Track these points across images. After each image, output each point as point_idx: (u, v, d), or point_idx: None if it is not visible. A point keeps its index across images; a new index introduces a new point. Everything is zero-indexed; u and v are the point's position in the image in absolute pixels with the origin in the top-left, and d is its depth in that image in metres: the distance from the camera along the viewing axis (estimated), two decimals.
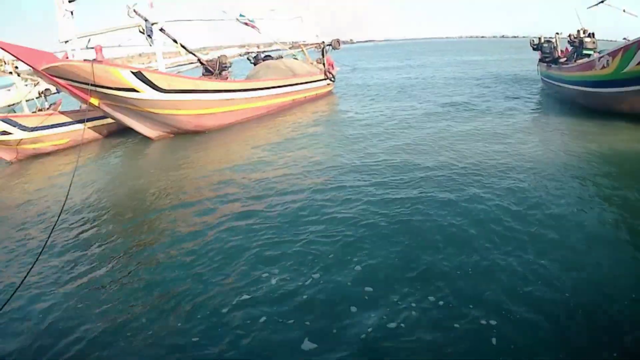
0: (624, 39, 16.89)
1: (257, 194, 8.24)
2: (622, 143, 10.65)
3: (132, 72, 12.81)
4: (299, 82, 20.98)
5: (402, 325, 4.26)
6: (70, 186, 7.37)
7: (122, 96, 13.02)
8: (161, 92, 13.36)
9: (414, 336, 4.10)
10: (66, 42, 14.31)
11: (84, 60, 13.01)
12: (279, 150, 11.72)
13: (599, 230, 6.14)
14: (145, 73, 13.20)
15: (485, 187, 7.89)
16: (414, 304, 4.55)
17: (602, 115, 13.53)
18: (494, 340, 3.98)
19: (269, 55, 23.74)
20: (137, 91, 12.96)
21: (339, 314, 4.50)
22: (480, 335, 4.06)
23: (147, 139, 14.81)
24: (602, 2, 16.88)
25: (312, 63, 24.43)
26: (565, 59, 19.38)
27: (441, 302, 4.56)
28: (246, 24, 20.78)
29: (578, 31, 18.52)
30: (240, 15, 20.61)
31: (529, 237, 5.88)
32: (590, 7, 17.85)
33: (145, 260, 6.06)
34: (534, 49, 23.15)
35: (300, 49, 25.56)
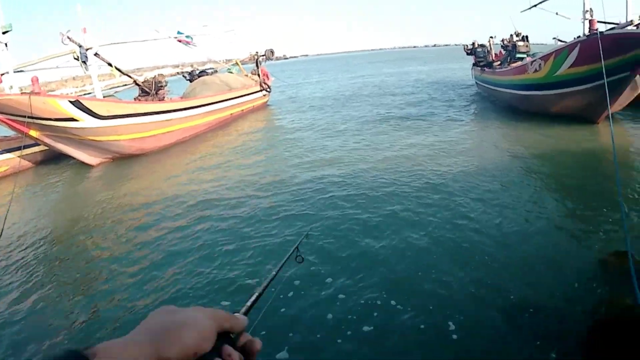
0: (554, 38, 17.46)
1: (196, 214, 8.12)
2: (555, 142, 11.28)
3: (71, 102, 12.55)
4: (235, 95, 21.07)
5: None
6: (6, 215, 7.48)
7: (61, 126, 12.68)
8: (100, 119, 13.25)
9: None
10: (2, 74, 13.80)
11: (21, 92, 12.69)
12: (217, 169, 11.57)
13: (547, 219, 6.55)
14: (83, 101, 12.95)
15: (422, 191, 8.10)
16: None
17: (535, 117, 14.15)
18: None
19: (204, 71, 23.66)
20: (77, 120, 12.71)
21: None
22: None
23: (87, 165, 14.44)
24: (534, 6, 17.33)
25: (247, 75, 24.49)
26: (499, 62, 19.87)
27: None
28: (180, 41, 20.78)
29: (511, 35, 19.09)
30: (178, 33, 20.70)
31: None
32: (523, 11, 18.37)
33: (88, 282, 5.95)
34: (467, 54, 23.74)
35: (234, 63, 25.62)
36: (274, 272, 1.15)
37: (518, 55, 17.76)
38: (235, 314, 0.79)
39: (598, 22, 12.23)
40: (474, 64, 22.85)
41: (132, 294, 5.31)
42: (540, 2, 16.92)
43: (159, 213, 8.35)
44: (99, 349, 0.52)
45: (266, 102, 25.30)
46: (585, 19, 13.04)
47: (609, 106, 9.50)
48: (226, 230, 7.03)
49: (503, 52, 20.31)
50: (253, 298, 0.93)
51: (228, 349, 0.67)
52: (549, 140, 11.51)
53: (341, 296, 4.76)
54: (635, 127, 12.63)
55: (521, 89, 15.03)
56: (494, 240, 5.91)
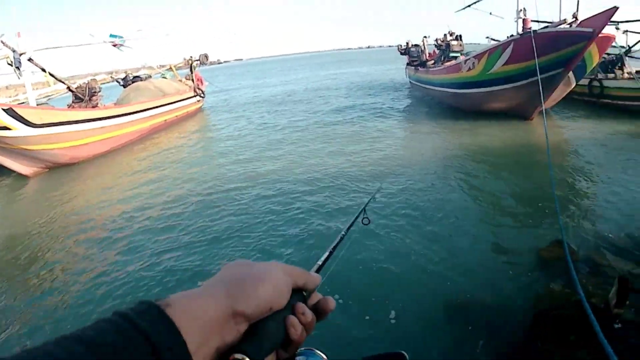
0: (487, 37, 18.08)
1: (134, 224, 7.79)
2: (489, 139, 11.59)
3: (4, 109, 11.89)
4: (170, 101, 20.63)
5: None
6: None
7: None
8: (34, 127, 12.74)
9: None
10: None
11: None
12: (153, 175, 11.27)
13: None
14: (16, 109, 12.28)
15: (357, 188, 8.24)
16: None
17: (470, 114, 14.58)
18: None
19: (138, 77, 23.15)
20: (9, 129, 12.05)
21: None
22: None
23: (21, 175, 13.57)
24: (468, 6, 17.84)
25: (181, 80, 24.18)
26: (432, 62, 20.26)
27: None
28: (115, 45, 20.35)
29: (445, 34, 19.51)
30: (111, 36, 20.17)
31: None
32: (458, 11, 18.86)
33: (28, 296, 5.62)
34: (401, 54, 24.15)
35: (168, 68, 25.34)
36: (342, 232, 1.13)
37: (452, 54, 18.23)
38: (312, 272, 0.74)
39: (531, 21, 12.71)
40: (408, 64, 23.25)
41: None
42: (475, 2, 17.46)
43: (99, 226, 7.92)
44: (173, 300, 0.51)
45: (200, 107, 24.89)
46: (518, 18, 13.52)
47: (542, 102, 9.84)
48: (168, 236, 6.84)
49: (437, 51, 20.77)
50: (324, 257, 0.91)
51: (302, 306, 0.64)
52: (484, 137, 11.79)
53: None
54: (567, 122, 13.31)
55: (455, 87, 15.37)
56: (434, 236, 5.96)
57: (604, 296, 3.83)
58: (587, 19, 11.17)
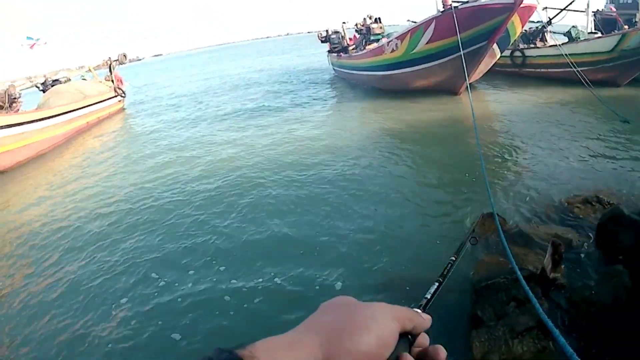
0: (408, 20, 18.61)
1: (62, 236, 7.27)
2: (417, 117, 11.92)
3: None
4: (90, 103, 20.19)
5: None
6: None
7: None
8: None
9: None
10: None
11: None
12: (81, 181, 10.72)
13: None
14: None
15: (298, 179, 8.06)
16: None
17: (397, 95, 14.82)
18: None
19: (57, 80, 22.49)
20: None
21: None
22: None
23: None
24: None
25: (100, 82, 23.59)
26: (354, 46, 20.52)
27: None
28: (32, 47, 19.97)
29: (364, 18, 19.75)
30: (28, 38, 19.92)
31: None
32: None
33: None
34: (322, 42, 24.22)
35: (88, 69, 24.69)
36: (452, 258, 1.03)
37: (373, 38, 18.52)
38: (421, 313, 0.64)
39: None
40: (329, 51, 23.37)
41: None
42: None
43: (23, 239, 7.39)
44: (258, 349, 0.46)
45: (122, 107, 24.32)
46: None
47: (466, 77, 10.29)
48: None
49: (357, 36, 21.04)
50: (432, 289, 0.82)
51: (408, 357, 0.55)
52: (413, 116, 12.10)
53: None
54: (493, 93, 14.03)
55: (380, 70, 15.64)
56: (370, 215, 6.11)
57: (539, 262, 4.00)
58: None
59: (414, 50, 13.52)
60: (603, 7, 25.76)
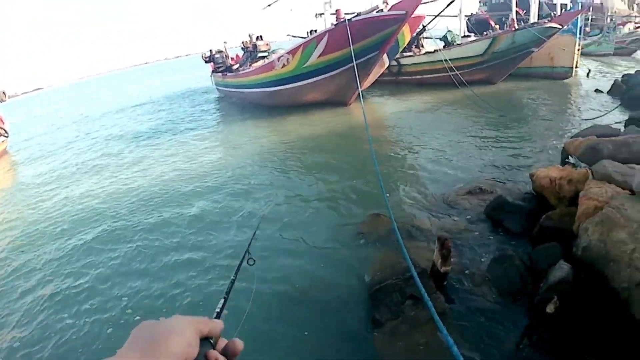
0: (288, 35, 19.40)
1: None
2: (311, 130, 12.32)
3: None
4: None
5: None
6: None
7: None
8: None
9: None
10: None
11: None
12: None
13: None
14: None
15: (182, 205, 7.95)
16: None
17: (288, 110, 15.20)
18: None
19: None
20: None
21: None
22: None
23: None
24: (269, 5, 18.97)
25: None
26: (238, 65, 20.80)
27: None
28: None
29: (250, 36, 20.12)
30: None
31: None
32: (265, 8, 19.79)
33: None
34: (206, 62, 24.21)
35: None
36: (232, 277, 1.19)
37: (260, 55, 18.93)
38: (213, 319, 0.81)
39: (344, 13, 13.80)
40: (213, 71, 23.40)
41: None
42: (275, 2, 18.61)
43: None
44: None
45: (5, 148, 22.19)
46: (325, 10, 14.69)
47: (359, 87, 10.95)
48: None
49: (241, 54, 21.34)
50: (220, 304, 0.96)
51: (214, 353, 0.70)
52: (307, 128, 12.53)
53: None
54: (378, 102, 15.03)
55: (270, 86, 15.91)
56: (273, 227, 6.25)
57: (431, 257, 4.30)
58: (401, 1, 12.36)
59: (306, 64, 14.02)
60: (477, 10, 28.60)
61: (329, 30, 13.07)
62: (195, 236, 6.42)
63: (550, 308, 3.50)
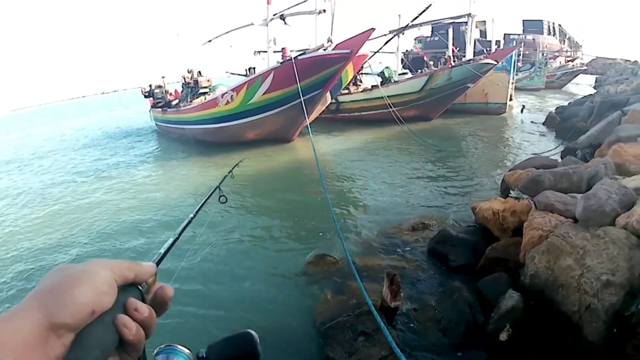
0: (226, 72, 19.42)
1: None
2: (256, 168, 11.99)
3: None
4: None
5: None
6: None
7: None
8: None
9: None
10: None
11: None
12: None
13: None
14: None
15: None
16: None
17: (229, 147, 14.94)
18: None
19: None
20: None
21: None
22: None
23: None
24: (209, 41, 19.10)
25: None
26: (178, 100, 20.53)
27: None
28: None
29: (189, 71, 19.93)
30: None
31: None
32: (205, 43, 19.77)
33: None
34: (145, 97, 23.76)
35: None
36: (191, 215, 1.05)
37: (202, 91, 18.78)
38: (142, 262, 0.69)
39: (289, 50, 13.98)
40: (152, 106, 22.92)
41: None
42: (217, 37, 18.71)
43: None
44: None
45: None
46: (269, 47, 14.83)
47: (307, 121, 11.02)
48: None
49: (179, 89, 21.13)
50: (167, 245, 0.87)
51: (133, 302, 0.61)
52: (249, 167, 11.86)
53: None
54: (320, 138, 15.10)
55: (213, 122, 15.67)
56: (218, 269, 6.10)
57: (380, 293, 4.28)
58: (346, 40, 12.72)
59: (250, 101, 14.04)
60: (412, 48, 29.83)
61: (274, 68, 13.19)
62: None
63: (503, 336, 3.55)
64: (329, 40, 13.05)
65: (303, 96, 12.32)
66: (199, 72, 19.73)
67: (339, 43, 12.92)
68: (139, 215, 8.86)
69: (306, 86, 12.77)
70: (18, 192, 12.76)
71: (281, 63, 12.97)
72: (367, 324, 3.82)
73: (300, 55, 12.84)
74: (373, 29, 12.50)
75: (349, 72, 13.91)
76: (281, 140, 14.75)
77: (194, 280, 5.79)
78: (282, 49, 13.95)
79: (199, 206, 1.12)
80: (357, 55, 12.81)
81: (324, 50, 12.94)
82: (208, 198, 1.15)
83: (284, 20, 14.96)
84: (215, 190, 1.15)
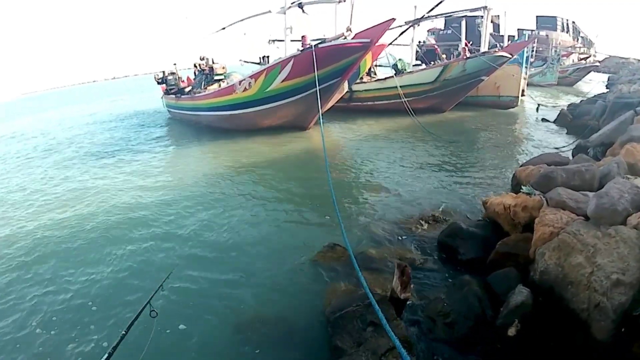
0: (240, 60, 19.41)
1: None
2: (271, 154, 12.22)
3: None
4: None
5: None
6: None
7: None
8: None
9: None
10: None
11: None
12: None
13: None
14: None
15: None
16: None
17: (246, 134, 14.98)
18: None
19: None
20: None
21: None
22: None
23: None
24: (223, 28, 19.10)
25: None
26: (190, 87, 20.48)
27: None
28: None
29: (203, 58, 19.86)
30: None
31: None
32: (218, 31, 19.84)
33: None
34: (158, 83, 23.72)
35: None
36: (123, 332, 1.05)
37: (216, 78, 18.73)
38: None
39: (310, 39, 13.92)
40: (165, 93, 22.89)
41: None
42: (231, 25, 18.70)
43: None
44: None
45: None
46: (286, 36, 14.78)
47: (320, 111, 11.00)
48: None
49: (193, 77, 21.05)
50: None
51: None
52: (265, 154, 12.38)
53: None
54: (334, 128, 15.10)
55: (229, 109, 15.71)
56: (230, 252, 6.18)
57: (389, 284, 4.31)
58: (366, 29, 12.62)
59: (269, 89, 14.03)
60: (424, 40, 29.59)
61: (294, 56, 13.16)
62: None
63: (511, 331, 3.57)
64: (348, 29, 12.89)
65: (322, 84, 12.29)
66: (213, 59, 19.69)
67: (359, 32, 12.80)
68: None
69: (326, 74, 12.80)
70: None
71: (301, 51, 12.93)
72: (376, 315, 3.83)
73: (320, 43, 12.78)
74: (393, 19, 12.43)
75: (368, 61, 13.86)
76: (298, 128, 14.76)
77: (205, 266, 5.86)
78: (303, 36, 13.78)
79: (130, 322, 1.12)
80: (376, 45, 12.77)
81: (344, 39, 12.83)
82: (138, 316, 1.15)
83: (302, 8, 14.81)
84: (145, 306, 1.18)
